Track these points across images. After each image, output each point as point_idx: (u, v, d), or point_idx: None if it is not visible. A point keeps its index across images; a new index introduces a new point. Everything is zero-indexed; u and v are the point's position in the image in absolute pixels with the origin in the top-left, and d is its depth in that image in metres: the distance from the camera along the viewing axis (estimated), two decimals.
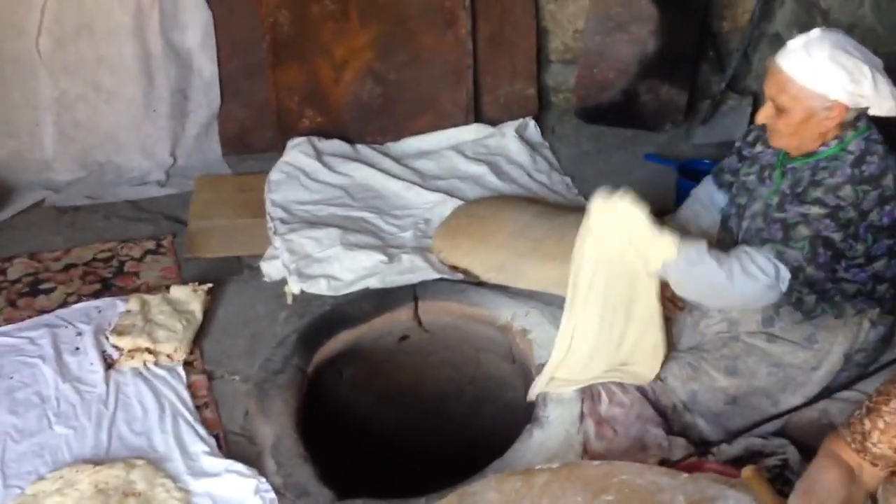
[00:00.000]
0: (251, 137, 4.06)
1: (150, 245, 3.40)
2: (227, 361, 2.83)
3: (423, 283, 3.07)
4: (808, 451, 2.18)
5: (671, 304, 2.53)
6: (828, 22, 3.55)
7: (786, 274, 2.20)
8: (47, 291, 3.14)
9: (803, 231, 2.19)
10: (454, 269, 3.09)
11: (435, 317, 3.04)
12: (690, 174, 3.41)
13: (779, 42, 3.97)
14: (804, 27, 3.73)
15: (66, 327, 2.93)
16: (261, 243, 3.33)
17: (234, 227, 3.49)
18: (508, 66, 4.14)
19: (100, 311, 3.01)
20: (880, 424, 1.72)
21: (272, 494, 2.34)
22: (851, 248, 2.24)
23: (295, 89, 3.91)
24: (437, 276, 3.09)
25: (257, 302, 3.09)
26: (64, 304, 3.07)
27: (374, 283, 3.07)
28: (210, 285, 3.07)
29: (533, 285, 2.97)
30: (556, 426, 2.51)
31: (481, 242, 3.10)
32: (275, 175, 3.69)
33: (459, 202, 3.48)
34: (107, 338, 2.86)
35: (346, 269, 3.12)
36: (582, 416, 2.49)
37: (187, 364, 2.80)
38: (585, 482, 1.91)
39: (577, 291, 2.42)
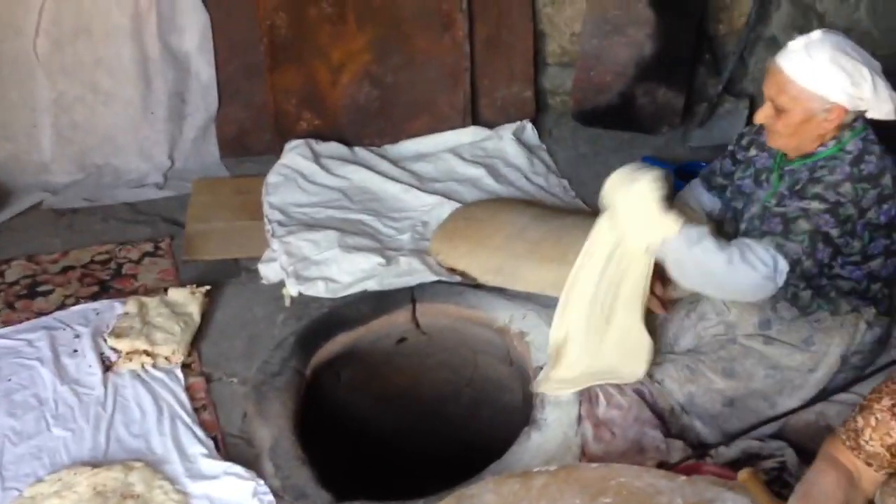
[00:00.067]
0: (249, 140, 4.06)
1: (148, 247, 3.40)
2: (225, 364, 2.83)
3: (421, 286, 3.07)
4: (805, 454, 2.19)
5: (658, 302, 2.52)
6: (823, 25, 3.56)
7: (784, 266, 2.19)
8: (45, 294, 3.14)
9: (803, 225, 2.19)
10: (452, 271, 3.09)
11: (433, 319, 3.04)
12: (687, 177, 3.40)
13: (775, 45, 3.98)
14: (800, 30, 3.75)
15: (64, 329, 2.94)
16: (258, 246, 3.33)
17: (231, 229, 3.49)
18: (505, 69, 4.14)
19: (98, 314, 3.01)
20: (872, 422, 1.73)
21: (270, 497, 2.34)
22: (848, 245, 2.25)
23: (292, 92, 3.91)
24: (434, 278, 3.09)
25: (255, 304, 3.09)
26: (62, 307, 3.07)
27: (371, 285, 3.07)
28: (208, 288, 3.08)
29: (530, 287, 2.97)
30: (553, 428, 2.51)
31: (479, 245, 3.10)
32: (272, 177, 3.69)
33: (457, 205, 3.48)
34: (105, 340, 2.86)
35: (343, 272, 3.12)
36: (580, 419, 2.50)
37: (185, 366, 2.80)
38: (583, 484, 1.91)
39: (575, 270, 2.45)
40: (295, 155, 3.79)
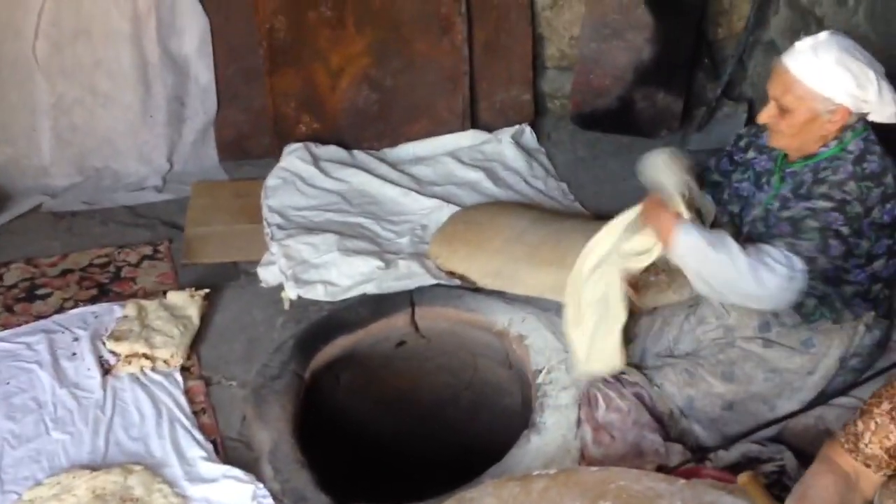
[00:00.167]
0: (248, 143, 4.07)
1: (147, 250, 3.40)
2: (224, 367, 2.84)
3: (420, 289, 3.07)
4: (804, 457, 2.19)
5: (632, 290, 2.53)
6: (822, 29, 3.54)
7: (800, 265, 2.16)
8: (44, 297, 3.14)
9: (811, 223, 2.19)
10: (451, 274, 3.10)
11: (432, 322, 3.04)
12: None
13: (773, 49, 3.99)
14: (799, 34, 3.75)
15: (63, 333, 2.94)
16: (258, 249, 3.33)
17: (230, 232, 3.49)
18: (504, 73, 4.14)
19: (97, 317, 3.01)
20: (872, 426, 1.73)
21: (270, 500, 2.35)
22: (858, 246, 2.24)
23: (291, 95, 3.92)
24: (433, 281, 3.09)
25: (254, 307, 3.09)
26: (61, 310, 3.07)
27: (370, 288, 3.07)
28: (207, 291, 3.08)
29: (529, 291, 2.98)
30: (553, 432, 2.52)
31: (478, 248, 3.10)
32: (271, 181, 3.69)
33: (456, 208, 3.49)
34: (104, 343, 2.86)
35: (342, 275, 3.12)
36: (579, 422, 2.50)
37: (184, 369, 2.80)
38: (583, 488, 1.91)
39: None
40: (294, 158, 3.79)
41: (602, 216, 2.76)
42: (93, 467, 2.42)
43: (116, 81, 3.83)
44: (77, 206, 3.70)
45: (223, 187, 3.86)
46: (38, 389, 2.71)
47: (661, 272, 2.75)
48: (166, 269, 3.30)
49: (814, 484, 1.78)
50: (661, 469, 2.24)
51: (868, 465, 1.74)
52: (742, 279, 2.17)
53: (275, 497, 2.36)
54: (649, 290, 2.71)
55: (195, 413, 2.65)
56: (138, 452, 2.50)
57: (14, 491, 2.37)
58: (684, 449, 2.37)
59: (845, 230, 2.19)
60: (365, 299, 3.05)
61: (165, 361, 2.80)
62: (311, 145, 3.89)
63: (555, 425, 2.54)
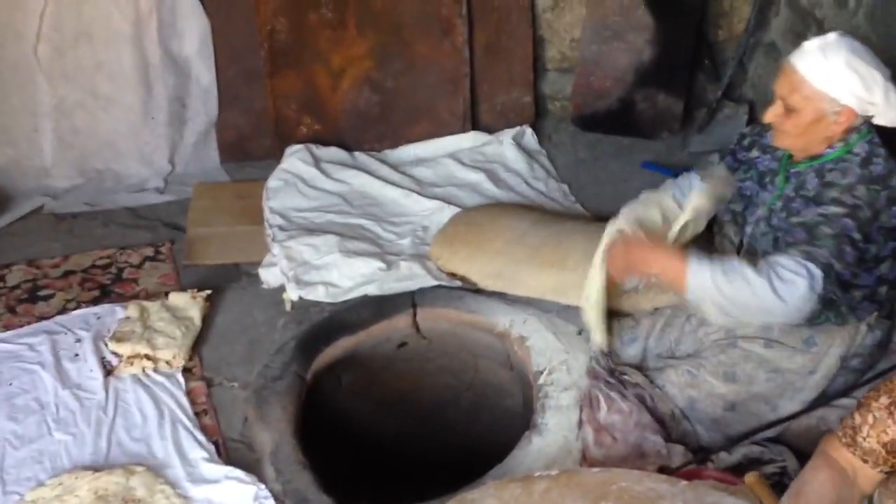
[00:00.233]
0: (249, 145, 4.07)
1: (149, 252, 3.40)
2: (225, 368, 2.84)
3: (422, 290, 3.07)
4: (806, 459, 2.18)
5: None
6: (822, 31, 3.56)
7: (818, 272, 2.15)
8: (46, 298, 3.14)
9: (826, 230, 2.18)
10: (452, 276, 3.10)
11: (433, 324, 3.05)
12: None
13: (774, 51, 4.00)
14: (799, 36, 3.76)
15: (66, 334, 2.94)
16: (259, 250, 3.34)
17: (232, 234, 3.49)
18: (505, 75, 4.15)
19: (99, 318, 3.01)
20: (870, 419, 1.73)
21: (271, 501, 2.35)
22: (867, 252, 2.25)
23: (292, 97, 3.92)
24: (435, 283, 3.10)
25: (256, 309, 3.09)
26: (63, 311, 3.07)
27: (372, 290, 3.07)
28: (209, 292, 3.08)
29: (531, 292, 2.98)
30: (554, 433, 2.52)
31: (479, 250, 3.11)
32: (273, 182, 3.69)
33: (457, 209, 3.49)
34: (106, 344, 2.87)
35: (344, 276, 3.12)
36: (580, 423, 2.50)
37: (186, 371, 2.81)
38: (585, 489, 1.92)
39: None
40: (295, 160, 3.80)
41: (603, 217, 2.76)
42: (95, 468, 2.42)
43: (118, 83, 3.84)
44: (78, 208, 3.70)
45: (224, 189, 3.86)
46: (41, 390, 2.72)
47: None
48: (168, 270, 3.31)
49: (810, 479, 1.78)
50: (662, 470, 2.24)
51: (865, 461, 1.74)
52: (762, 300, 2.15)
53: (276, 498, 2.36)
54: (650, 290, 2.71)
55: (197, 414, 2.65)
56: (140, 453, 2.50)
57: (16, 492, 2.37)
58: (686, 450, 2.38)
59: (858, 236, 2.19)
60: (366, 300, 3.06)
61: (167, 362, 2.80)
62: (313, 147, 3.89)
63: (556, 426, 2.54)
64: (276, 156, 3.87)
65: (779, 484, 2.19)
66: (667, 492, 1.89)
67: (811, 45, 2.22)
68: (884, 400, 1.73)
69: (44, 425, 2.59)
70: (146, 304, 2.99)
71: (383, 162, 3.93)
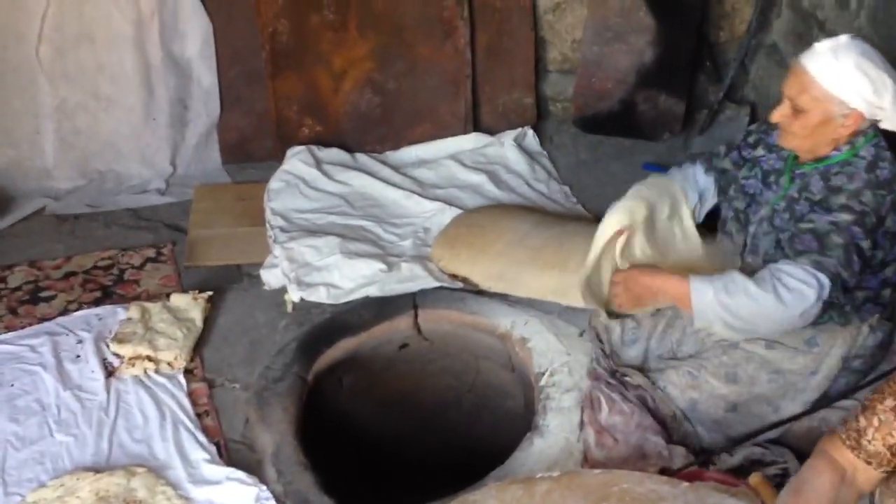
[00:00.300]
0: (251, 146, 4.07)
1: (151, 253, 3.40)
2: (227, 369, 2.84)
3: (423, 292, 3.07)
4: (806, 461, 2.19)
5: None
6: (824, 32, 3.57)
7: (826, 282, 2.15)
8: (48, 299, 3.15)
9: (836, 239, 2.18)
10: (454, 277, 3.10)
11: (434, 325, 3.05)
12: None
13: (776, 52, 4.00)
14: (801, 38, 3.77)
15: (67, 335, 2.94)
16: (260, 252, 3.34)
17: (233, 235, 3.50)
18: (507, 76, 4.15)
19: (100, 319, 3.01)
20: (875, 422, 1.73)
21: (273, 502, 2.35)
22: (873, 257, 2.25)
23: (294, 98, 3.92)
24: (436, 284, 3.10)
25: (257, 310, 3.10)
26: (64, 312, 3.07)
27: (373, 291, 3.07)
28: (210, 293, 3.08)
29: (532, 294, 2.98)
30: (556, 434, 2.52)
31: (480, 251, 3.11)
32: (274, 184, 3.70)
33: (458, 211, 3.49)
34: (107, 345, 2.87)
35: (345, 278, 3.12)
36: (582, 425, 2.50)
37: (188, 372, 2.81)
38: (586, 491, 1.91)
39: None
40: (297, 161, 3.80)
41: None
42: (96, 469, 2.42)
43: (119, 85, 3.84)
44: (80, 209, 3.70)
45: (226, 190, 3.86)
46: (42, 391, 2.72)
47: None
48: (169, 271, 3.31)
49: (809, 478, 1.78)
50: (664, 472, 2.24)
51: (870, 463, 1.74)
52: (766, 313, 2.16)
53: (278, 499, 2.36)
54: None
55: (198, 415, 2.65)
56: (142, 454, 2.51)
57: (17, 493, 2.37)
58: (687, 452, 2.37)
59: (866, 244, 2.19)
60: (367, 302, 3.06)
61: (169, 364, 2.80)
62: (314, 148, 3.89)
63: (557, 428, 2.54)
64: (278, 157, 3.88)
65: (780, 486, 2.19)
66: (668, 493, 1.89)
67: (822, 47, 2.20)
68: (889, 402, 1.72)
69: (45, 426, 2.60)
70: (148, 305, 3.00)
71: (385, 163, 3.93)
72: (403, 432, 3.16)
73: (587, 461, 2.43)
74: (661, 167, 3.91)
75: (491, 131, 4.13)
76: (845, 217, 2.18)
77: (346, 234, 3.36)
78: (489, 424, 3.16)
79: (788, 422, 2.41)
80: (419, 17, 3.90)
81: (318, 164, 3.82)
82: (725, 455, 2.35)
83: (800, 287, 2.14)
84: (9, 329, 2.99)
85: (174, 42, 3.85)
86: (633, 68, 4.08)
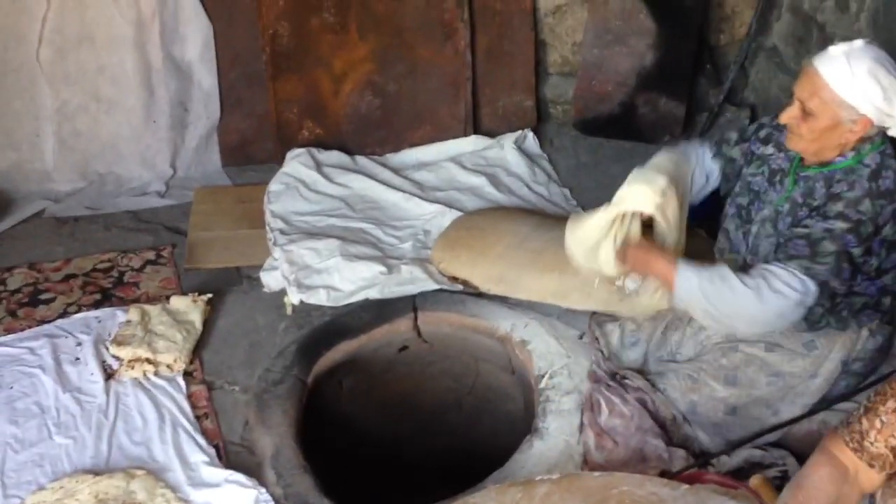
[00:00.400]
0: (251, 149, 4.07)
1: (150, 255, 3.40)
2: (226, 372, 2.84)
3: (423, 294, 3.07)
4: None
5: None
6: (824, 36, 3.57)
7: (814, 288, 2.19)
8: (47, 301, 3.14)
9: (829, 247, 2.19)
10: (453, 280, 3.10)
11: (434, 327, 3.05)
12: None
13: (776, 55, 4.00)
14: (801, 41, 3.77)
15: (66, 337, 2.94)
16: (260, 254, 3.34)
17: (233, 237, 3.50)
18: (507, 79, 4.15)
19: (100, 322, 3.01)
20: (877, 424, 1.73)
21: None
22: (866, 263, 2.25)
23: (294, 101, 3.92)
24: (436, 286, 3.10)
25: (257, 312, 3.09)
26: (64, 315, 3.07)
27: (373, 293, 3.07)
28: (210, 296, 3.08)
29: (532, 296, 2.98)
30: (555, 437, 2.52)
31: (480, 254, 3.10)
32: (274, 186, 3.70)
33: (458, 213, 3.49)
34: (107, 348, 2.87)
35: (345, 280, 3.12)
36: (582, 427, 2.50)
37: (187, 374, 2.81)
38: (586, 493, 1.91)
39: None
40: (297, 163, 3.80)
41: None
42: (95, 472, 2.42)
43: (120, 87, 3.85)
44: (80, 212, 3.71)
45: (226, 192, 3.86)
46: (41, 394, 2.71)
47: None
48: (169, 274, 3.31)
49: (811, 475, 1.78)
50: (664, 474, 2.24)
51: (872, 465, 1.74)
52: (745, 309, 2.22)
53: (277, 502, 2.36)
54: (651, 293, 2.71)
55: (198, 418, 2.65)
56: (141, 457, 2.50)
57: (17, 495, 2.37)
58: (687, 454, 2.38)
59: (857, 251, 2.20)
60: (367, 304, 3.06)
61: (168, 366, 2.80)
62: (314, 150, 3.90)
63: (557, 430, 2.54)
64: (278, 159, 3.88)
65: (780, 488, 2.18)
66: (668, 496, 1.89)
67: (837, 50, 2.19)
68: (891, 404, 1.72)
69: (44, 429, 2.59)
70: (147, 307, 3.00)
71: (385, 166, 3.93)
72: (403, 435, 3.16)
73: (587, 464, 2.43)
74: None
75: (491, 134, 4.13)
76: (840, 225, 2.19)
77: (346, 237, 3.36)
78: (489, 427, 3.16)
79: (788, 424, 2.41)
80: (419, 20, 3.90)
81: (319, 166, 3.82)
82: (725, 457, 2.35)
83: (783, 289, 2.18)
84: (8, 331, 2.99)
85: (175, 44, 3.85)
86: (633, 71, 4.09)
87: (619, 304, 2.74)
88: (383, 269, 3.14)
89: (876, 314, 2.40)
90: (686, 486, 1.94)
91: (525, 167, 3.93)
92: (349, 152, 3.96)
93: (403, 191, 3.71)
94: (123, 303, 3.12)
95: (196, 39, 3.86)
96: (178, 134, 3.98)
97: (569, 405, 2.61)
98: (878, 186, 2.21)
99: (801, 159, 2.37)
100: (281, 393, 2.71)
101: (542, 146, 4.15)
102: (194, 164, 4.03)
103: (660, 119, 4.15)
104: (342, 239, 3.33)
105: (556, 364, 2.77)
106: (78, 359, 2.85)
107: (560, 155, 4.13)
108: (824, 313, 2.37)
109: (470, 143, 4.08)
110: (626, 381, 2.51)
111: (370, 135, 4.02)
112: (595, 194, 3.76)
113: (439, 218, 3.49)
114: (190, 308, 3.00)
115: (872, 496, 1.80)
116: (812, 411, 2.41)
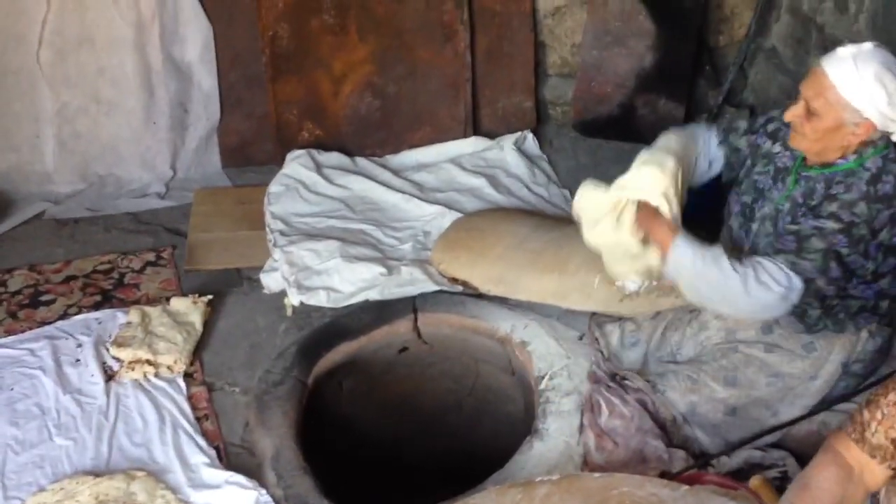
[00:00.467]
0: (251, 150, 4.08)
1: (151, 257, 3.40)
2: (227, 373, 2.84)
3: (423, 296, 3.08)
4: (807, 464, 2.19)
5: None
6: (823, 37, 3.57)
7: (798, 284, 2.20)
8: (47, 303, 3.15)
9: (817, 244, 2.20)
10: (453, 281, 3.10)
11: (434, 329, 3.05)
12: (690, 189, 3.42)
13: (775, 56, 4.00)
14: (800, 42, 3.77)
15: (67, 339, 2.94)
16: (260, 255, 3.34)
17: (233, 239, 3.50)
18: (506, 80, 4.16)
19: (100, 323, 3.01)
20: (878, 415, 1.74)
21: None
22: (862, 267, 2.25)
23: (294, 102, 3.93)
24: (436, 288, 3.10)
25: (257, 314, 3.10)
26: (64, 316, 3.07)
27: (373, 295, 3.08)
28: (210, 297, 3.09)
29: (532, 297, 2.98)
30: (555, 438, 2.52)
31: (480, 255, 3.11)
32: (274, 187, 3.70)
33: (458, 214, 3.49)
34: (107, 349, 2.87)
35: (345, 281, 3.13)
36: (582, 428, 2.51)
37: (187, 376, 2.81)
38: (586, 494, 1.92)
39: None
40: (297, 165, 3.80)
41: None
42: (96, 473, 2.42)
43: (120, 88, 3.85)
44: (80, 213, 3.71)
45: (226, 194, 3.87)
46: (42, 395, 2.72)
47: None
48: (169, 275, 3.31)
49: (816, 474, 1.79)
50: (663, 475, 2.25)
51: (874, 456, 1.75)
52: (729, 292, 2.24)
53: (277, 503, 2.36)
54: (651, 293, 2.71)
55: (198, 419, 2.65)
56: (141, 458, 2.51)
57: (17, 497, 2.37)
58: (687, 455, 2.38)
59: (846, 251, 2.20)
60: (367, 306, 3.06)
61: (168, 367, 2.80)
62: (314, 152, 3.90)
63: (557, 431, 2.54)
64: (278, 161, 3.88)
65: (780, 489, 2.19)
66: (668, 497, 1.90)
67: (845, 52, 2.19)
68: (892, 397, 1.74)
69: (45, 430, 2.59)
70: (147, 309, 3.00)
71: (385, 167, 3.93)
72: (403, 436, 3.16)
73: (587, 465, 2.43)
74: None
75: (491, 135, 4.14)
76: (831, 225, 2.20)
77: (346, 238, 3.36)
78: (489, 428, 3.16)
79: (788, 425, 2.41)
80: (419, 21, 3.90)
81: (318, 167, 3.82)
82: (725, 458, 2.35)
83: (769, 282, 2.20)
84: (9, 333, 2.99)
85: (175, 45, 3.85)
86: (632, 72, 4.09)
87: (619, 304, 2.75)
88: (383, 270, 3.15)
89: (873, 317, 2.41)
90: (686, 487, 1.95)
91: (524, 168, 3.93)
92: (349, 154, 3.97)
93: (403, 192, 3.71)
94: (124, 304, 3.12)
95: (196, 41, 3.86)
96: (177, 135, 3.98)
97: (569, 406, 2.61)
98: (877, 190, 2.21)
99: (805, 159, 2.37)
100: (281, 394, 2.72)
101: (541, 147, 4.15)
102: (194, 165, 4.03)
103: (659, 120, 4.14)
104: (342, 240, 3.33)
105: (555, 365, 2.77)
106: (78, 360, 2.85)
107: (559, 156, 4.13)
108: (821, 316, 2.38)
109: (469, 145, 4.08)
110: (626, 381, 2.51)
111: (370, 136, 4.03)
112: None
113: (439, 219, 3.49)
114: (190, 309, 3.00)
115: (876, 494, 1.81)
116: (812, 412, 2.41)
